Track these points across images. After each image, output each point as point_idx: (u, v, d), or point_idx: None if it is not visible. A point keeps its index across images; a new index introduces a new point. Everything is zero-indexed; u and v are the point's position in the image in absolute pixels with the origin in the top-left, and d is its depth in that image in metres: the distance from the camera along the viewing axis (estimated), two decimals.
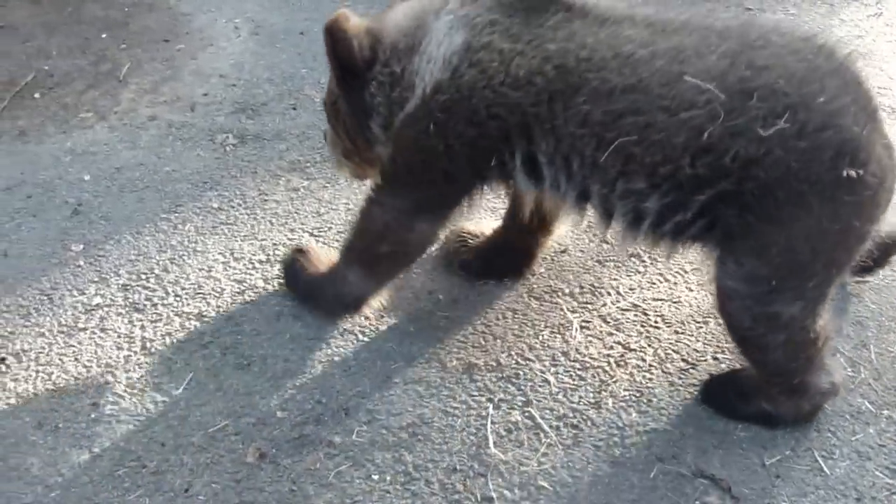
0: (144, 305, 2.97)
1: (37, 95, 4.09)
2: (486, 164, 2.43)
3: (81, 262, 3.16)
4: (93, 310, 2.96)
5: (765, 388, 2.51)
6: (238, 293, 3.02)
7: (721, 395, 2.61)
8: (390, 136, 2.61)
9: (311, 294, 2.88)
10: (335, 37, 2.50)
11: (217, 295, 3.01)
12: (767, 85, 2.13)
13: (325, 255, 2.92)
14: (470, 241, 3.06)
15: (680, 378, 2.74)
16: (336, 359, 2.80)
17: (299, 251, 2.94)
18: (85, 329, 2.90)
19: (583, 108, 2.26)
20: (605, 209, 2.40)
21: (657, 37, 2.26)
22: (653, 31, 2.28)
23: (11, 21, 4.67)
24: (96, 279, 3.08)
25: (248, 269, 3.12)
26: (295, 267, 2.91)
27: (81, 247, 3.24)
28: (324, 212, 3.37)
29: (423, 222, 2.62)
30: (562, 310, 2.96)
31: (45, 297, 3.02)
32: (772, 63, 2.16)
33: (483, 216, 3.25)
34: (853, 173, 2.12)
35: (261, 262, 3.16)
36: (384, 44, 2.54)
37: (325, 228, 3.29)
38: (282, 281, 2.99)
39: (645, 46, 2.24)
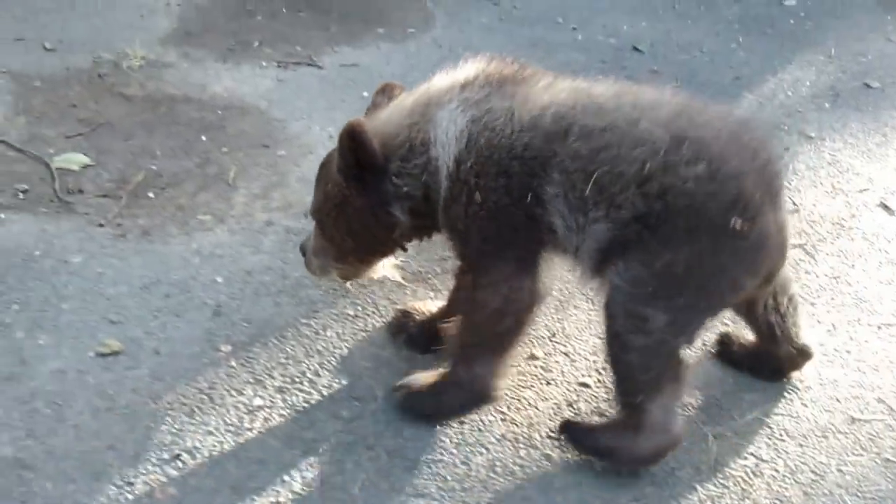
0: (303, 408, 3.31)
1: (151, 195, 4.43)
2: (525, 202, 2.91)
3: (233, 363, 3.48)
4: (255, 410, 3.28)
5: (610, 423, 3.09)
6: (389, 396, 3.35)
7: (578, 431, 3.17)
8: (429, 217, 3.14)
9: (439, 408, 3.24)
10: (358, 140, 2.99)
11: (372, 399, 3.34)
12: (698, 137, 2.81)
13: (423, 375, 3.31)
14: (417, 316, 3.52)
15: (812, 488, 3.11)
16: (497, 465, 3.14)
17: (408, 382, 3.31)
18: (251, 429, 3.21)
19: (573, 145, 2.84)
20: (579, 243, 2.95)
21: (621, 94, 2.96)
22: (617, 90, 3.00)
23: (109, 118, 5.04)
24: (252, 380, 3.41)
25: (395, 375, 3.45)
26: (413, 396, 3.27)
27: (230, 348, 3.55)
28: None
29: (528, 281, 3.02)
30: (695, 422, 3.33)
31: (206, 396, 3.33)
32: (706, 123, 2.88)
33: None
34: (739, 224, 2.74)
35: (405, 369, 3.49)
36: (392, 142, 3.05)
37: None
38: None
39: (612, 99, 2.92)
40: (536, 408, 3.42)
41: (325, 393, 3.38)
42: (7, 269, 3.87)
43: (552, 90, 2.98)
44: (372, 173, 3.03)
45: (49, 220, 4.19)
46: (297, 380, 3.43)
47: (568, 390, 3.50)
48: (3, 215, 4.21)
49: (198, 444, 3.16)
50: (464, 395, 3.15)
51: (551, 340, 3.71)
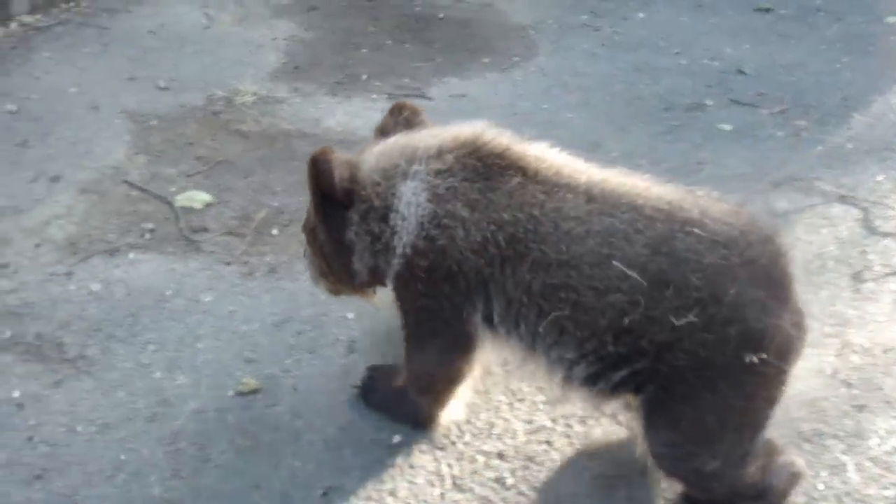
0: (444, 444, 3.34)
1: (274, 232, 4.55)
2: (462, 313, 2.87)
3: None
4: (395, 447, 3.33)
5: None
6: (530, 433, 3.38)
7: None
8: (380, 280, 3.14)
9: (386, 408, 3.40)
10: (317, 166, 2.91)
11: (511, 435, 3.37)
12: (682, 278, 2.55)
13: (388, 372, 3.43)
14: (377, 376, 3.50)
15: None
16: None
17: (373, 368, 3.50)
18: (392, 465, 3.26)
19: (526, 276, 2.69)
20: (546, 369, 2.86)
21: (593, 215, 2.66)
22: (590, 209, 2.68)
23: (227, 156, 5.19)
24: (390, 418, 3.45)
25: (532, 409, 3.48)
26: (370, 384, 3.45)
27: None
28: None
29: (457, 361, 3.06)
30: (832, 452, 3.29)
31: (345, 434, 3.39)
32: (690, 256, 2.56)
33: None
34: (755, 359, 2.54)
35: (543, 403, 3.51)
36: (362, 185, 2.95)
37: None
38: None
39: (582, 224, 2.64)
40: None
41: (464, 428, 3.42)
42: (141, 309, 4.01)
43: (521, 197, 2.76)
44: (333, 208, 2.99)
45: (177, 259, 4.32)
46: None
47: None
48: (132, 255, 4.36)
49: (342, 482, 3.20)
50: (406, 412, 3.32)
51: None
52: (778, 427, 2.98)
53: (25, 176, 4.99)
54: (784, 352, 2.62)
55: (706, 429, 2.66)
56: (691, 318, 2.53)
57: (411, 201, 2.87)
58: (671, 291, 2.54)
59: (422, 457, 3.30)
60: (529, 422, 3.45)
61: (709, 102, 5.88)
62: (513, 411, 3.49)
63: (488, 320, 2.88)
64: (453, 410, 3.33)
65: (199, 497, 3.18)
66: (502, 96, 5.75)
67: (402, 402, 3.30)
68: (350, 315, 3.99)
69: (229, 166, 5.12)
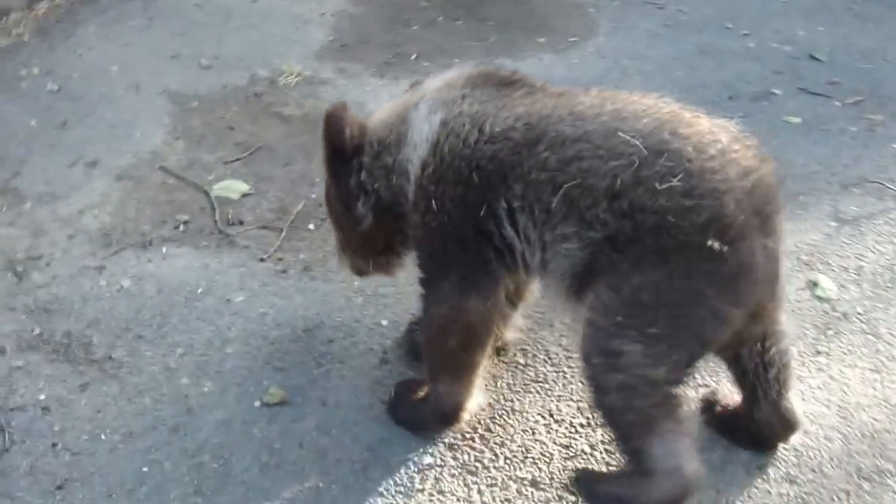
0: (476, 468, 3.29)
1: (311, 226, 4.50)
2: (478, 216, 2.90)
3: None
4: (426, 469, 3.28)
5: (620, 473, 2.99)
6: (567, 458, 3.30)
7: (590, 482, 3.12)
8: (385, 218, 3.24)
9: (412, 420, 3.37)
10: (330, 121, 3.16)
11: (547, 460, 3.29)
12: (678, 150, 2.65)
13: (414, 383, 3.46)
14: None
15: None
16: None
17: (400, 384, 3.49)
18: (422, 490, 3.22)
19: (542, 155, 2.78)
20: (546, 259, 2.89)
21: (606, 102, 2.83)
22: (602, 99, 2.86)
23: (267, 141, 5.15)
24: (422, 437, 3.38)
25: (570, 432, 3.40)
26: (397, 398, 3.43)
27: None
28: None
29: (473, 300, 3.03)
30: (893, 491, 3.17)
31: (373, 453, 3.34)
32: (692, 136, 2.69)
33: None
34: (716, 245, 2.58)
35: (582, 425, 3.44)
36: (371, 137, 3.15)
37: None
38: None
39: (593, 107, 2.81)
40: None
41: (497, 452, 3.35)
42: (171, 307, 3.99)
43: (531, 98, 2.95)
44: (342, 162, 3.18)
45: (210, 254, 4.30)
46: (467, 435, 3.40)
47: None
48: (165, 249, 4.35)
49: None
50: (430, 409, 3.29)
51: None
52: (834, 459, 2.85)
53: (64, 160, 5.00)
54: (745, 265, 2.66)
55: (644, 301, 2.68)
56: (675, 182, 2.61)
57: (423, 123, 3.03)
58: (665, 158, 2.64)
59: (452, 482, 3.25)
60: (567, 446, 3.37)
61: (777, 91, 5.68)
62: (550, 434, 3.42)
63: (509, 213, 2.90)
64: (477, 397, 3.31)
65: None
66: (556, 78, 5.56)
67: (424, 405, 3.33)
68: (384, 322, 3.92)
69: (269, 153, 5.07)
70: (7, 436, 3.44)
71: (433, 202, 2.97)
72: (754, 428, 3.20)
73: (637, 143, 2.68)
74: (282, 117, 5.39)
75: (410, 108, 3.10)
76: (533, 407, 3.53)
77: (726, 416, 3.32)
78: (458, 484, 3.24)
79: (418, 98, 3.11)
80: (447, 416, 3.28)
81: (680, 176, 2.62)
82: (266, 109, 5.43)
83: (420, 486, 3.24)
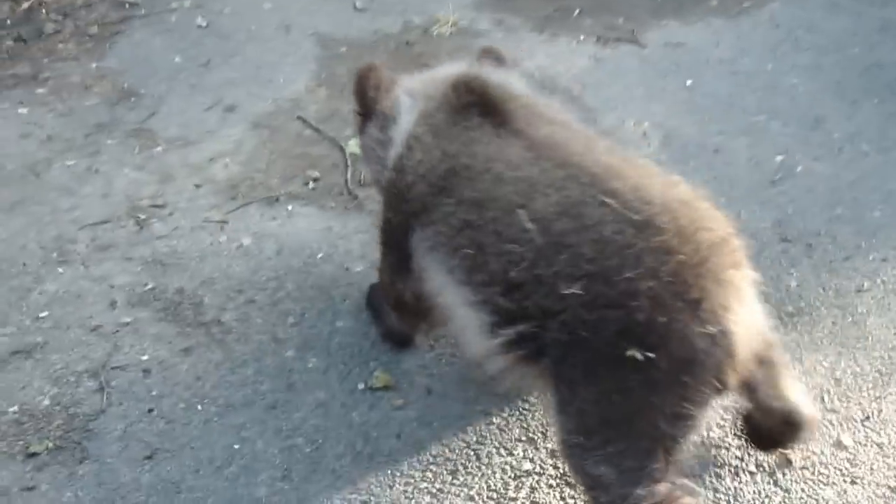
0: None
1: None
2: (405, 239, 2.95)
3: (506, 415, 3.33)
4: (523, 476, 3.10)
5: None
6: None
7: None
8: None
9: (376, 318, 3.57)
10: (357, 79, 3.31)
11: None
12: (579, 246, 2.43)
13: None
14: None
15: None
16: None
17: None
18: (515, 499, 3.03)
19: (449, 209, 2.72)
20: (457, 313, 2.80)
21: (524, 163, 2.65)
22: (525, 156, 2.67)
23: None
24: (524, 438, 3.24)
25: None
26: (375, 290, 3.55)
27: (504, 398, 3.34)
28: None
29: (398, 280, 3.13)
30: None
31: (472, 453, 3.18)
32: (595, 225, 2.44)
33: None
34: (638, 355, 2.32)
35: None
36: (389, 99, 3.20)
37: None
38: None
39: (509, 168, 2.64)
40: None
41: None
42: (288, 272, 3.90)
43: (474, 132, 2.84)
44: (365, 119, 3.30)
45: (336, 216, 4.18)
46: None
47: (875, 494, 2.99)
48: (291, 207, 4.25)
49: None
50: (386, 324, 3.51)
51: (864, 425, 3.21)
52: None
53: (202, 102, 4.98)
54: (683, 361, 2.39)
55: (587, 421, 2.53)
56: (576, 290, 2.41)
57: (406, 121, 3.06)
58: (565, 257, 2.45)
59: (549, 493, 3.06)
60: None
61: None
62: None
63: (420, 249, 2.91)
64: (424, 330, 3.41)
65: None
66: (723, 49, 5.15)
67: (384, 315, 3.50)
68: None
69: None
70: (105, 396, 3.43)
71: (388, 199, 3.08)
72: (765, 432, 2.99)
73: (533, 230, 2.52)
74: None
75: (405, 92, 3.17)
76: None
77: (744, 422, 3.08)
78: (555, 496, 3.03)
79: (412, 84, 3.19)
80: (396, 341, 3.49)
81: (581, 284, 2.42)
82: (416, 60, 5.22)
83: (514, 495, 3.07)
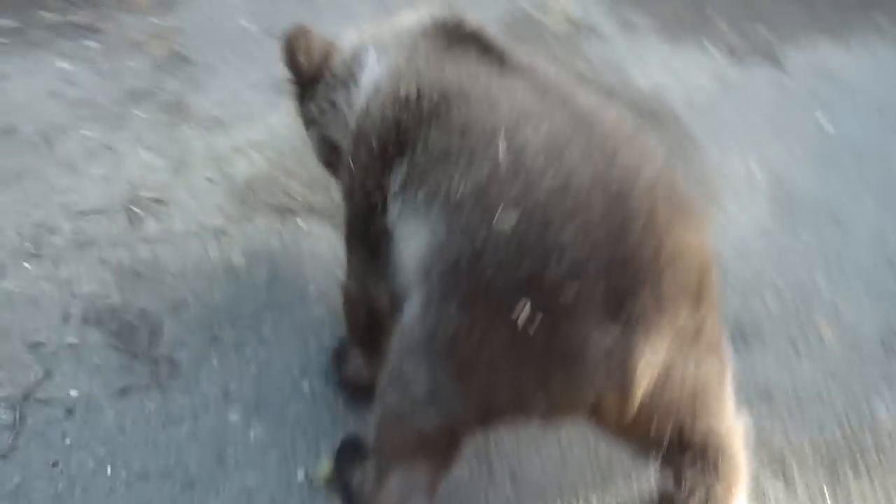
0: None
1: None
2: (374, 190, 2.55)
3: None
4: None
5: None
6: None
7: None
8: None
9: (337, 362, 3.14)
10: (284, 46, 2.99)
11: None
12: (537, 183, 2.12)
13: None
14: None
15: None
16: None
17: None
18: None
19: (434, 138, 2.38)
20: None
21: (530, 96, 2.34)
22: (531, 92, 2.36)
23: None
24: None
25: None
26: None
27: None
28: None
29: (373, 285, 2.73)
30: None
31: None
32: (567, 173, 2.12)
33: None
34: (526, 317, 2.06)
35: None
36: (332, 67, 2.89)
37: None
38: None
39: (510, 100, 2.33)
40: None
41: None
42: (270, 307, 3.46)
43: (472, 64, 2.50)
44: (301, 87, 3.03)
45: None
46: None
47: None
48: (302, 222, 3.80)
49: None
50: (346, 373, 3.10)
51: None
52: None
53: (250, 78, 4.46)
54: (574, 355, 2.09)
55: (441, 337, 2.26)
56: (506, 217, 2.10)
57: (375, 67, 2.73)
58: (518, 186, 2.14)
59: None
60: None
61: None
62: None
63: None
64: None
65: None
66: (881, 86, 4.16)
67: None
68: None
69: None
70: (13, 437, 2.94)
71: (353, 162, 2.69)
72: None
73: (501, 148, 2.20)
74: None
75: (363, 47, 2.82)
76: None
77: None
78: None
79: (370, 39, 2.83)
80: (360, 387, 2.98)
81: (516, 214, 2.10)
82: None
83: None
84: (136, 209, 3.75)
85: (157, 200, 3.78)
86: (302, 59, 2.97)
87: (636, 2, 4.83)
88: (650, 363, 2.14)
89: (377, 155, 2.56)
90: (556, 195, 2.13)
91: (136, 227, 3.68)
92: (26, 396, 3.10)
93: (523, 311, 2.08)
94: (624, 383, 2.15)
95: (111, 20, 4.80)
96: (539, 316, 2.08)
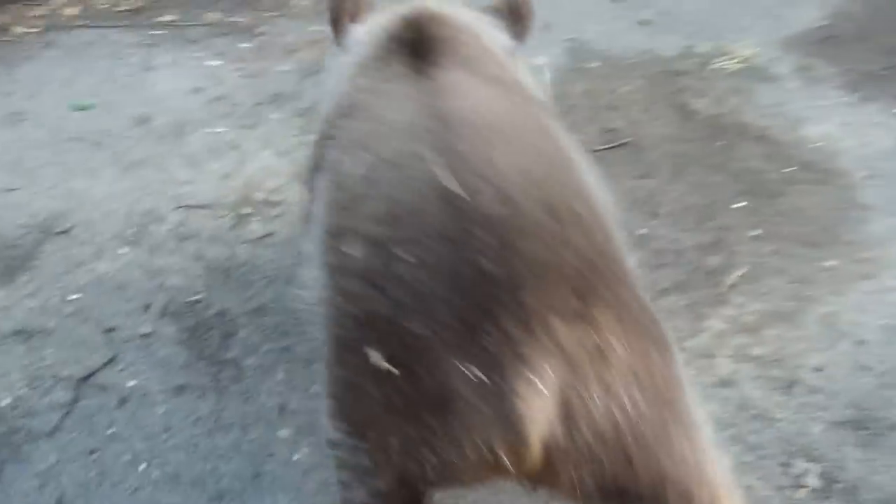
0: None
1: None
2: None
3: None
4: None
5: None
6: None
7: None
8: None
9: None
10: (331, 12, 2.79)
11: None
12: (378, 204, 1.89)
13: None
14: None
15: None
16: None
17: None
18: None
19: (331, 154, 2.21)
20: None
21: (406, 104, 2.08)
22: (411, 99, 2.09)
23: (643, 137, 4.00)
24: None
25: None
26: None
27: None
28: None
29: None
30: None
31: None
32: (407, 188, 1.85)
33: None
34: (377, 361, 1.76)
35: None
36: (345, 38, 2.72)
37: None
38: None
39: (389, 110, 2.12)
40: None
41: None
42: None
43: (395, 69, 2.24)
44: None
45: None
46: None
47: None
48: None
49: None
50: None
51: None
52: None
53: None
54: (436, 398, 1.75)
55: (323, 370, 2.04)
56: (351, 250, 1.85)
57: (345, 61, 2.60)
58: (364, 210, 1.89)
59: None
60: None
61: None
62: None
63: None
64: None
65: None
66: None
67: None
68: None
69: (635, 153, 3.88)
70: (62, 417, 2.91)
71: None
72: None
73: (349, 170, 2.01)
74: (684, 111, 4.14)
75: (356, 36, 2.66)
76: None
77: None
78: None
79: (364, 28, 2.65)
80: None
81: (361, 240, 1.84)
82: (673, 95, 4.21)
83: None
84: (245, 209, 3.64)
85: (269, 203, 3.65)
86: (342, 20, 2.81)
87: (829, 54, 4.43)
88: (536, 399, 1.76)
89: (311, 165, 2.41)
90: (389, 218, 1.86)
91: (240, 227, 3.57)
92: (86, 379, 2.98)
93: (375, 355, 1.79)
94: (510, 429, 1.78)
95: (270, 24, 4.77)
96: (393, 358, 1.78)
